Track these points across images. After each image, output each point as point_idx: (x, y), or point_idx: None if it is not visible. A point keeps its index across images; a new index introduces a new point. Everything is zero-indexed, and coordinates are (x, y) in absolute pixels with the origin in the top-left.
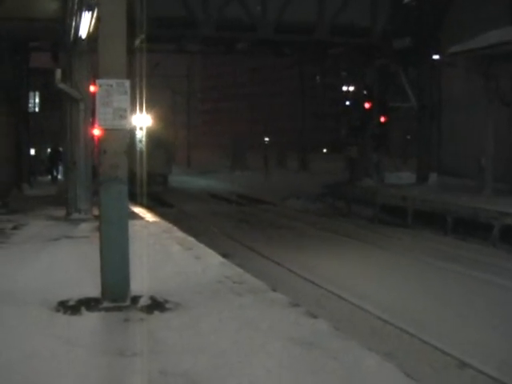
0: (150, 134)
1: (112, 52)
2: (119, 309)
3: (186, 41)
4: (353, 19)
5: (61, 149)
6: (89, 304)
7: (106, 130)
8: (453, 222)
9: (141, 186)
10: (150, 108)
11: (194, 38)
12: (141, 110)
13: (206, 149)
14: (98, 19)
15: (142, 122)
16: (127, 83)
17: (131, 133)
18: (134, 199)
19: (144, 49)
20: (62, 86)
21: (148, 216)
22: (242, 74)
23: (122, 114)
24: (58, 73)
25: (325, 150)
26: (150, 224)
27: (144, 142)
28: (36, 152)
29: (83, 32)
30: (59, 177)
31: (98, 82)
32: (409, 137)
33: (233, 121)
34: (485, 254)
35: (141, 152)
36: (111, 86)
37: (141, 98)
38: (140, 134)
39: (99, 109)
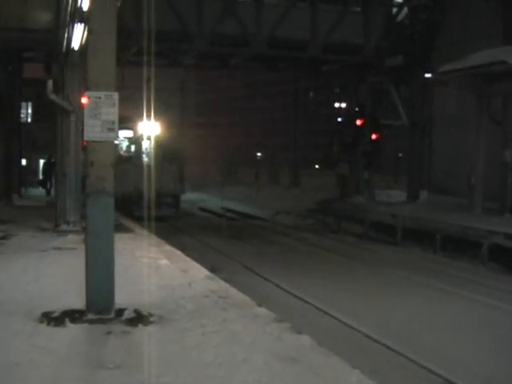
0: (160, 145)
1: (101, 65)
2: (103, 321)
3: (179, 55)
4: (346, 37)
5: (53, 160)
6: (73, 316)
7: (94, 142)
8: (442, 240)
9: (148, 209)
10: (159, 114)
11: (187, 52)
12: (148, 116)
13: (198, 163)
14: (89, 32)
15: (149, 130)
16: (116, 96)
17: (137, 144)
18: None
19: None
20: (53, 97)
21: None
22: (237, 89)
23: (110, 127)
24: (50, 84)
25: (317, 166)
26: (137, 237)
27: (152, 155)
28: (27, 162)
29: (75, 44)
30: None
31: (86, 94)
32: (400, 154)
33: (226, 135)
34: (473, 272)
35: (148, 167)
36: (100, 98)
37: (148, 103)
38: (147, 145)
39: (87, 121)
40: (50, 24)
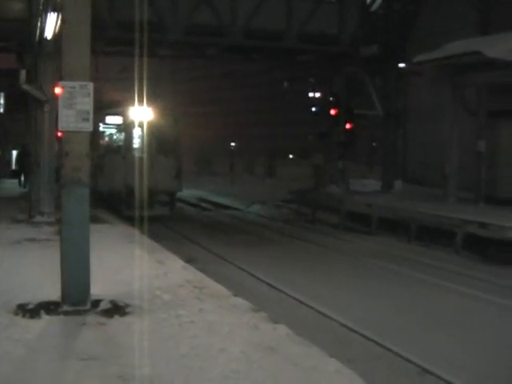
0: (153, 134)
1: (76, 55)
2: (79, 312)
3: (154, 45)
4: (321, 27)
5: (27, 150)
6: (48, 308)
7: (69, 133)
8: (416, 229)
9: (140, 208)
10: (153, 99)
11: (162, 43)
12: (140, 100)
13: None
14: (63, 22)
15: (140, 115)
16: (90, 86)
17: (127, 133)
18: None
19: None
20: (26, 87)
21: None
22: (213, 79)
23: (85, 117)
24: (23, 74)
25: (292, 156)
26: (113, 228)
27: (144, 146)
28: (0, 153)
29: (49, 33)
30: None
31: (60, 83)
32: (375, 144)
33: (202, 126)
34: (447, 261)
35: (140, 160)
36: (74, 88)
37: (140, 86)
38: (138, 134)
39: (62, 111)
40: (23, 13)
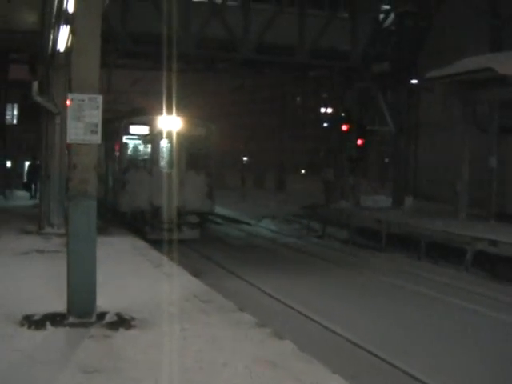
0: (183, 147)
1: (85, 67)
2: (84, 325)
3: (165, 58)
4: (333, 43)
5: (38, 162)
6: (54, 319)
7: (77, 145)
8: (426, 246)
9: (169, 231)
10: (182, 107)
11: (173, 56)
12: (168, 109)
13: None
14: (73, 34)
15: (168, 125)
16: (100, 98)
17: (154, 145)
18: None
19: None
20: (38, 98)
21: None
22: (224, 93)
23: (94, 129)
24: (35, 85)
25: (303, 171)
26: (121, 241)
27: (173, 160)
28: (12, 165)
29: (61, 45)
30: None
31: (69, 96)
32: (387, 160)
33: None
34: (457, 278)
35: (168, 176)
36: (83, 100)
37: (169, 93)
38: (166, 147)
39: (70, 123)
40: (35, 25)
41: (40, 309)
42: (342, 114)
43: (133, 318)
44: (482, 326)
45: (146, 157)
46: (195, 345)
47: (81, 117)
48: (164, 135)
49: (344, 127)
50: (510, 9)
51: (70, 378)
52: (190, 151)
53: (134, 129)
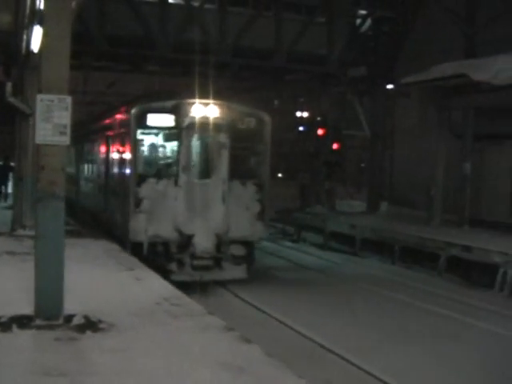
0: (224, 146)
1: (55, 68)
2: (51, 327)
3: (142, 60)
4: (310, 47)
5: (12, 164)
6: (21, 322)
7: (45, 146)
8: (401, 251)
9: (205, 269)
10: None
11: (150, 58)
12: (203, 93)
13: None
14: (44, 35)
15: (203, 116)
16: (69, 99)
17: (182, 143)
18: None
19: None
20: (12, 99)
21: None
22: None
23: (62, 130)
24: (9, 86)
25: (279, 175)
26: (93, 243)
27: (211, 166)
28: None
29: (35, 46)
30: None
31: (38, 97)
32: (363, 165)
33: None
34: (430, 283)
35: (203, 189)
36: (52, 101)
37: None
38: (200, 147)
39: (39, 124)
40: (10, 25)
41: (7, 311)
42: (318, 118)
43: (100, 321)
44: (455, 330)
45: (170, 160)
46: (162, 349)
47: (49, 118)
48: (197, 129)
49: (320, 131)
50: (485, 16)
51: (32, 382)
52: (234, 152)
53: (154, 119)
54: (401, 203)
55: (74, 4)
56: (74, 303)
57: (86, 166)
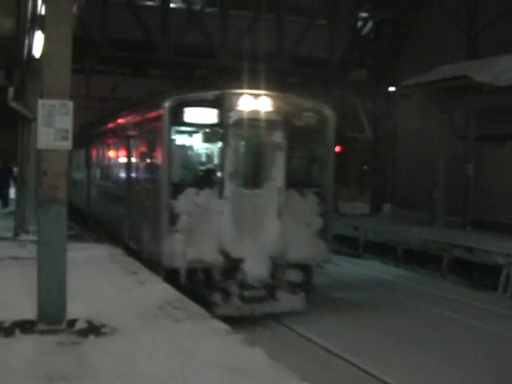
0: (280, 147)
1: (56, 73)
2: (54, 332)
3: (144, 64)
4: (311, 50)
5: (15, 169)
6: (24, 326)
7: (47, 151)
8: (403, 253)
9: (257, 301)
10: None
11: (152, 62)
12: (253, 83)
13: None
14: (45, 40)
15: (253, 110)
16: (70, 104)
17: (227, 144)
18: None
19: None
20: (14, 104)
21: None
22: None
23: (64, 135)
24: (11, 91)
25: None
26: (96, 248)
27: (263, 173)
28: None
29: (37, 51)
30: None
31: (40, 102)
32: (366, 167)
33: None
34: (433, 285)
35: (254, 201)
36: (54, 106)
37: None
38: (248, 146)
39: (41, 129)
40: (11, 31)
41: (10, 316)
42: None
43: (103, 325)
44: (458, 333)
45: (212, 166)
46: (165, 352)
47: (51, 123)
48: (246, 126)
49: None
50: (486, 17)
51: None
52: (292, 155)
53: (192, 114)
54: (403, 205)
55: (75, 8)
56: (76, 307)
57: (98, 171)
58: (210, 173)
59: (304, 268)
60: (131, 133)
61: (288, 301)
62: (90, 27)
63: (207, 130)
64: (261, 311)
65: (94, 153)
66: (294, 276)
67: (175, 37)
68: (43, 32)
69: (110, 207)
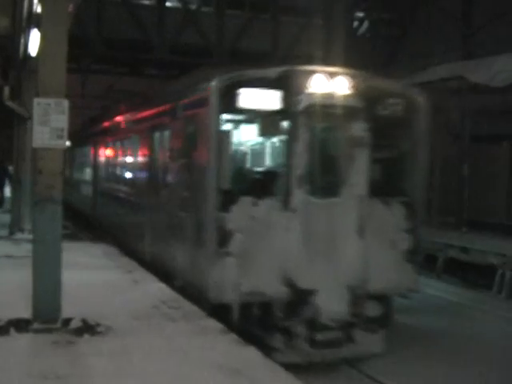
0: (362, 144)
1: (52, 71)
2: (49, 330)
3: (140, 63)
4: (307, 49)
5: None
6: (19, 325)
7: (43, 150)
8: None
9: (332, 345)
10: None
11: (147, 61)
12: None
13: None
14: (41, 38)
15: (325, 92)
16: (66, 103)
17: (294, 139)
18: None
19: None
20: (9, 103)
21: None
22: None
23: (60, 134)
24: (7, 90)
25: None
26: (91, 247)
27: (342, 175)
28: None
29: (33, 50)
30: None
31: (35, 100)
32: None
33: None
34: (427, 285)
35: (329, 215)
36: (49, 105)
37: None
38: (321, 142)
39: (36, 128)
40: (7, 29)
41: (5, 315)
42: None
43: (98, 324)
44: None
45: (275, 167)
46: (160, 352)
47: (47, 121)
48: (320, 116)
49: None
50: (482, 18)
51: None
52: (376, 154)
53: (249, 98)
54: None
55: (71, 7)
56: (71, 306)
57: (108, 172)
58: (271, 176)
59: (384, 299)
60: (157, 124)
61: (366, 342)
62: (86, 26)
63: (267, 120)
64: (333, 356)
65: (102, 150)
66: (373, 309)
67: (171, 36)
68: (39, 31)
69: (124, 215)
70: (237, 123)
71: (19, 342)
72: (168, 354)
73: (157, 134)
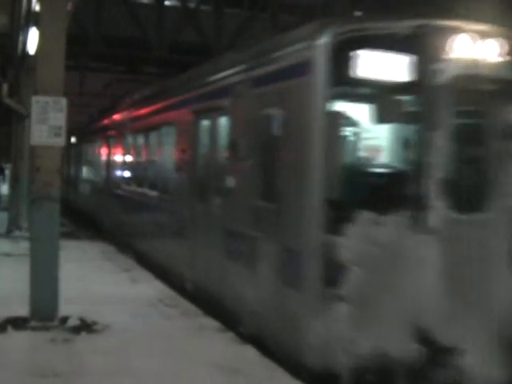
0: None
1: (50, 69)
2: (46, 328)
3: (138, 62)
4: None
5: (6, 165)
6: (16, 323)
7: (40, 148)
8: None
9: None
10: None
11: (146, 60)
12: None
13: None
14: (39, 36)
15: (480, 59)
16: (64, 101)
17: (431, 126)
18: None
19: None
20: (8, 101)
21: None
22: None
23: (57, 132)
24: (5, 88)
25: None
26: (89, 245)
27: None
28: None
29: (31, 48)
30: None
31: (33, 98)
32: None
33: None
34: None
35: (475, 232)
36: (47, 103)
37: None
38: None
39: (34, 125)
40: (6, 27)
41: (3, 312)
42: None
43: (95, 323)
44: None
45: (401, 167)
46: (157, 350)
47: (45, 119)
48: (466, 94)
49: None
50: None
51: (27, 382)
52: None
53: (370, 64)
54: None
55: (69, 5)
56: (69, 304)
57: (128, 173)
58: (396, 179)
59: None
60: (205, 109)
61: None
62: (85, 24)
63: (389, 99)
64: None
65: (118, 146)
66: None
67: (170, 34)
68: (38, 29)
69: (150, 225)
70: (354, 101)
71: (17, 339)
72: (165, 353)
73: (204, 123)
